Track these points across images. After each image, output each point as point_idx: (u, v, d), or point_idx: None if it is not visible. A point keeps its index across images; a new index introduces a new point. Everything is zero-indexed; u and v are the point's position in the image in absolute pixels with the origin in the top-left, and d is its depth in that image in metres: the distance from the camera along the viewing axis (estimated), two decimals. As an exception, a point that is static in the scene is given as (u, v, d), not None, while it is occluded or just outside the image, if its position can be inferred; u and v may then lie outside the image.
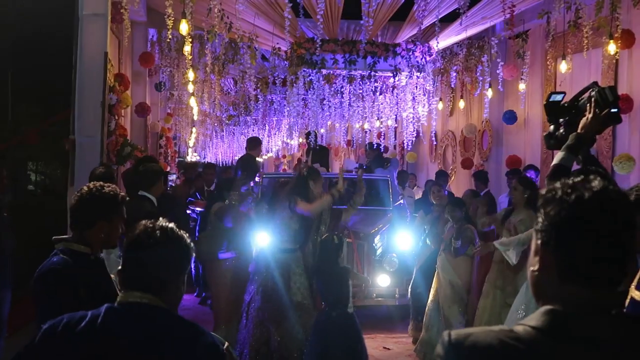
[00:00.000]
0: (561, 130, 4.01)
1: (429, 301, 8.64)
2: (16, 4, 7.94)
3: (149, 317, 2.51)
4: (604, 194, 1.75)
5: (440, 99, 14.09)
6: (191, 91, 12.29)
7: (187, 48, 9.16)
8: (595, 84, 3.90)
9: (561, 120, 4.08)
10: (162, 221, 2.65)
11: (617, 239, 1.75)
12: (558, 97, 4.13)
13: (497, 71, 11.63)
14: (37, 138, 9.22)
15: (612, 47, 9.06)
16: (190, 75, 10.86)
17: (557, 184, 1.82)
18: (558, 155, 3.74)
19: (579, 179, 1.81)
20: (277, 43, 11.32)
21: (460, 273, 8.39)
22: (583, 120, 3.79)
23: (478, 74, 11.81)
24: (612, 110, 3.79)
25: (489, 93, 12.27)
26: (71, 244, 3.62)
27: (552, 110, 4.10)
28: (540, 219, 1.82)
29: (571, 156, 3.73)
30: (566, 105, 4.05)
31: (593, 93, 3.84)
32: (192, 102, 13.38)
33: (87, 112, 7.99)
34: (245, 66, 11.19)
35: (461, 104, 13.90)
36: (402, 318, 9.96)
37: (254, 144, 11.61)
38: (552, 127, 4.14)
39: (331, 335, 6.82)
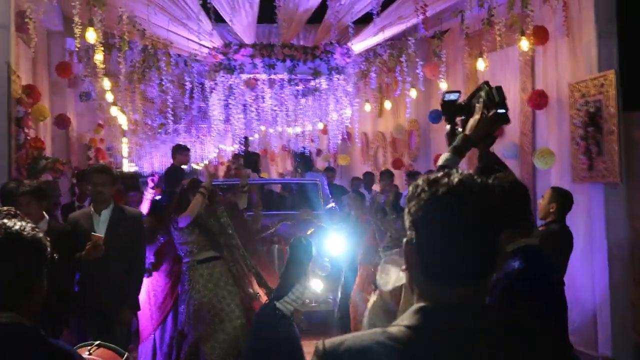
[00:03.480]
0: (459, 130, 3.96)
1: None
2: None
3: (13, 340, 2.28)
4: (459, 188, 1.74)
5: (367, 100, 14.18)
6: (110, 100, 12.12)
7: (98, 57, 9.04)
8: (485, 84, 3.92)
9: (458, 119, 4.11)
10: (5, 220, 2.40)
11: (474, 234, 1.74)
12: (453, 97, 4.06)
13: (417, 71, 11.73)
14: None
15: (524, 44, 9.23)
16: (106, 84, 10.73)
17: (419, 181, 1.81)
18: (443, 156, 3.70)
19: (440, 174, 1.79)
20: (195, 49, 11.26)
21: (389, 280, 8.35)
22: (470, 121, 3.78)
23: (397, 74, 11.90)
24: (499, 111, 3.83)
25: (413, 93, 12.37)
26: None
27: (449, 109, 4.05)
28: (405, 217, 1.82)
29: (456, 157, 3.71)
30: (463, 104, 4.03)
31: (482, 93, 3.90)
32: (114, 111, 13.21)
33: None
34: (162, 73, 11.08)
35: (387, 104, 13.99)
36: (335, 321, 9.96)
37: (178, 152, 11.49)
38: (448, 126, 4.16)
39: (260, 330, 6.80)
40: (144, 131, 20.58)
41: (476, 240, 1.74)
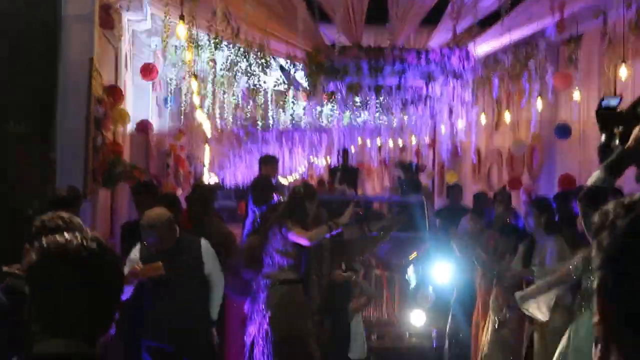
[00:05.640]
0: (616, 142, 3.65)
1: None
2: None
3: None
4: None
5: (484, 111, 13.73)
6: (197, 104, 12.05)
7: (188, 55, 8.95)
8: None
9: (616, 130, 3.71)
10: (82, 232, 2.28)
11: None
12: (612, 102, 3.80)
13: (547, 79, 11.22)
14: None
15: (678, 50, 8.68)
16: (194, 85, 10.63)
17: (610, 205, 1.56)
18: (594, 175, 3.44)
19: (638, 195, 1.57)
20: (293, 51, 11.10)
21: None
22: (635, 131, 3.44)
23: (525, 82, 11.42)
24: None
25: (539, 104, 11.88)
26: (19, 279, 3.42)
27: (606, 118, 3.75)
28: (594, 253, 1.55)
29: (610, 177, 3.43)
30: (624, 112, 3.70)
31: None
32: (199, 115, 13.16)
33: (70, 126, 7.79)
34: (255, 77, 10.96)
35: (507, 116, 13.50)
36: (437, 360, 9.82)
37: (266, 163, 11.31)
38: (603, 137, 3.75)
39: None
40: (229, 139, 20.62)
41: None
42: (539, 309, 7.15)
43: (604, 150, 3.69)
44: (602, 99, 3.80)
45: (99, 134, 8.28)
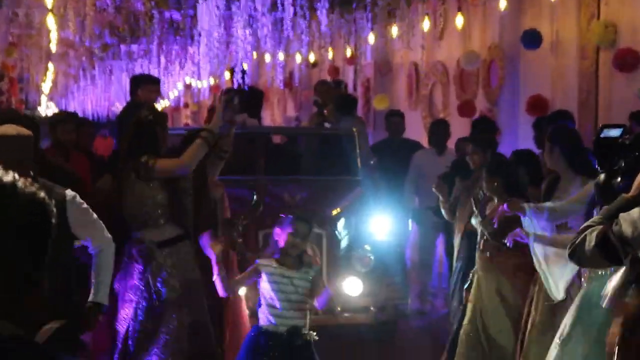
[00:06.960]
0: (618, 179, 4.09)
1: (464, 322, 8.11)
2: None
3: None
4: None
5: (427, 15, 13.66)
6: (50, 6, 11.54)
7: None
8: None
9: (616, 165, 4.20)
10: None
11: None
12: (613, 133, 4.29)
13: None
14: None
15: None
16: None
17: None
18: (593, 218, 3.96)
19: None
20: None
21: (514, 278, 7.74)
22: (639, 178, 3.78)
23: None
24: None
25: (502, 3, 11.79)
26: None
27: (606, 149, 4.27)
28: None
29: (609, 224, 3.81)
30: (627, 143, 4.16)
31: None
32: (50, 22, 12.62)
33: None
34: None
35: (458, 21, 13.44)
36: (379, 342, 9.91)
37: (142, 84, 10.97)
38: (602, 175, 4.25)
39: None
40: (78, 56, 20.13)
41: None
42: (553, 280, 7.14)
43: (603, 187, 4.23)
44: (602, 128, 4.36)
45: None
